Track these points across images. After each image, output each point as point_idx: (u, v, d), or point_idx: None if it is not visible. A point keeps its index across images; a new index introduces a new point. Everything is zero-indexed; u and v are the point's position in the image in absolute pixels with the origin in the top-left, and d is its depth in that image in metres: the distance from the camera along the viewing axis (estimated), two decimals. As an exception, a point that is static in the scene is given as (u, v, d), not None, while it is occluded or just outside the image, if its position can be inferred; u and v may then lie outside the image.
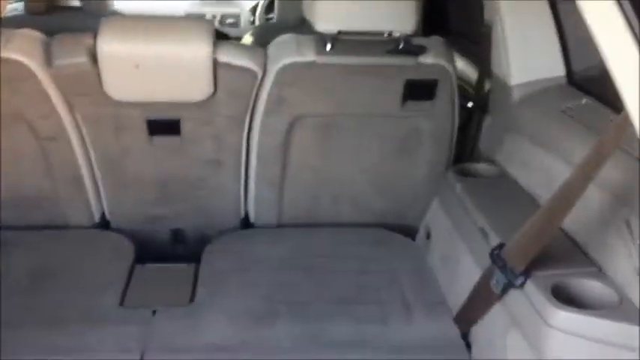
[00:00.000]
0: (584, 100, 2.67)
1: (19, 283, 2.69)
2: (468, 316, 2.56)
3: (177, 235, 3.25)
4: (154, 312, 2.59)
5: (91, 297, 2.64)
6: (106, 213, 3.18)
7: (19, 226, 3.00)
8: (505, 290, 2.23)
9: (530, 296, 2.11)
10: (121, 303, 2.66)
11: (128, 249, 2.98)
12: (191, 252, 3.10)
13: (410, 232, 3.26)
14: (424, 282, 2.87)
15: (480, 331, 2.47)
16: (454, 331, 2.59)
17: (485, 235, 2.50)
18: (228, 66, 2.82)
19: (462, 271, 2.65)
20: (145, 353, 2.39)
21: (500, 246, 2.30)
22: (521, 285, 2.16)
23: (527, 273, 2.15)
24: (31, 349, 2.36)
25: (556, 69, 2.91)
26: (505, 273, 2.21)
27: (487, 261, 2.38)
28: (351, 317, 2.64)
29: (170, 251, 3.23)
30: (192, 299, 2.71)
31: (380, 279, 2.87)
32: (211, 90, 2.84)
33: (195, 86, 2.83)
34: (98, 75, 2.75)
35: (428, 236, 3.10)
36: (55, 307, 2.57)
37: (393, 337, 2.56)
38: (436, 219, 3.05)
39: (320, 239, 3.14)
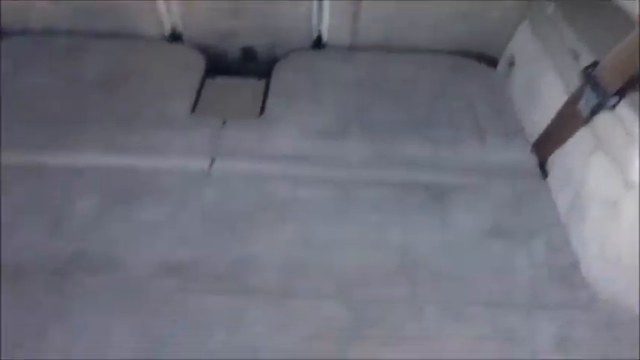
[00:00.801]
0: None
1: (93, 86, 2.70)
2: (547, 144, 2.44)
3: (247, 52, 3.17)
4: (225, 122, 2.57)
5: (162, 103, 2.63)
6: (178, 26, 3.10)
7: (91, 32, 2.98)
8: (594, 112, 2.09)
9: (622, 117, 1.97)
10: (192, 111, 2.65)
11: (199, 62, 2.93)
12: (261, 71, 3.03)
13: (491, 62, 3.07)
14: (502, 109, 2.74)
15: (559, 158, 2.36)
16: (530, 159, 2.49)
17: (576, 56, 2.31)
18: None
19: (546, 98, 2.50)
20: (215, 158, 2.40)
21: (594, 64, 2.12)
22: (614, 106, 2.01)
23: (621, 93, 1.99)
24: (105, 145, 2.41)
25: None
26: (597, 92, 2.06)
27: (576, 84, 2.22)
28: (423, 139, 2.56)
29: (240, 69, 3.16)
30: (262, 112, 2.68)
31: (456, 104, 2.75)
32: None
33: None
34: None
35: (510, 64, 2.92)
36: (129, 109, 2.59)
37: (466, 159, 2.48)
38: (522, 44, 2.84)
39: (395, 63, 3.00)
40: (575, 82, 2.20)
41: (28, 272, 1.99)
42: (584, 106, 2.12)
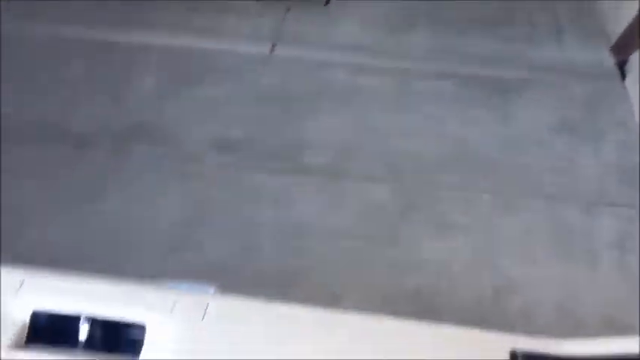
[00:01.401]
0: None
1: None
2: (628, 43, 2.27)
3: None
4: (289, 9, 2.53)
5: None
6: None
7: None
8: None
9: None
10: (257, -1, 2.63)
11: None
12: None
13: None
14: (584, 8, 2.57)
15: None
16: (609, 60, 2.33)
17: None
18: None
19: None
20: (277, 44, 2.38)
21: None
22: None
23: None
24: (171, 26, 2.44)
25: None
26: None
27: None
28: (495, 35, 2.44)
29: None
30: (327, 2, 2.61)
31: (535, 2, 2.60)
32: None
33: None
34: None
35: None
36: None
37: (539, 57, 2.36)
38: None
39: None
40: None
41: (90, 140, 2.05)
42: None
